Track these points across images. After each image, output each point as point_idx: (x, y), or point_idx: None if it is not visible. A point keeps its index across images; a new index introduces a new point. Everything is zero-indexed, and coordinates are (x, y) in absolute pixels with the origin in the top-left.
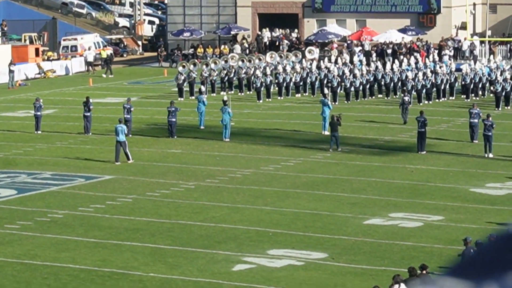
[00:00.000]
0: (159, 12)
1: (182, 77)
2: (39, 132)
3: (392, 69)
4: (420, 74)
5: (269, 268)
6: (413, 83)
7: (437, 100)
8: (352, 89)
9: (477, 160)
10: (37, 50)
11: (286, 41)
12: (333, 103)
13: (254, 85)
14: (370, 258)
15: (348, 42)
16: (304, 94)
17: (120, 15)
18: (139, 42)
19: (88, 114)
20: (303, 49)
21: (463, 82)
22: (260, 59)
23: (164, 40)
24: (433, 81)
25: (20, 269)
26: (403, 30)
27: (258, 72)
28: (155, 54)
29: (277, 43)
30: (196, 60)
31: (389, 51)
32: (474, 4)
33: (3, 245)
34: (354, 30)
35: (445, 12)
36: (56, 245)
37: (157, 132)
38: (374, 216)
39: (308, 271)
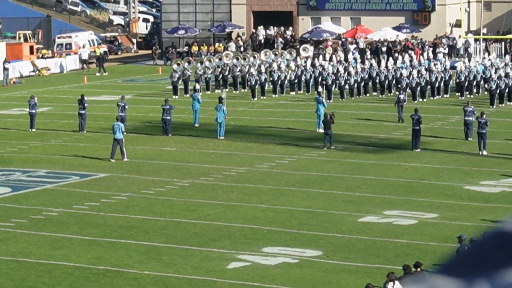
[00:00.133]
0: (154, 10)
1: (177, 75)
2: (34, 130)
3: (386, 67)
4: (415, 72)
5: (264, 265)
6: (408, 81)
7: (431, 98)
8: (347, 87)
9: (471, 158)
10: (31, 48)
11: (280, 39)
12: (328, 101)
13: (249, 83)
14: (365, 255)
15: (343, 40)
16: (299, 92)
17: (115, 13)
18: (134, 40)
19: (83, 112)
20: (298, 47)
21: (457, 80)
22: (254, 57)
23: (158, 38)
24: (428, 79)
25: (15, 266)
26: (398, 28)
27: (252, 70)
28: (150, 52)
29: (271, 41)
30: (190, 58)
31: (384, 49)
32: (469, 2)
33: None
34: (349, 28)
35: (440, 9)
36: (50, 242)
37: (152, 130)
38: (369, 213)
39: (302, 269)
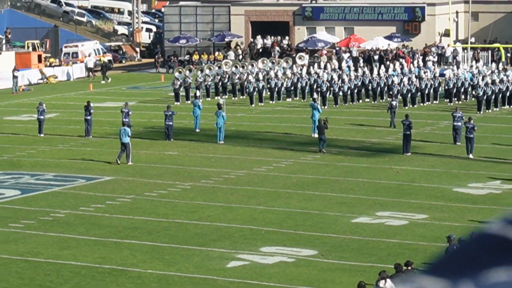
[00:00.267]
0: (156, 20)
1: (178, 82)
2: (42, 135)
3: (378, 74)
4: (406, 79)
5: (262, 264)
6: (399, 88)
7: (421, 104)
8: (341, 93)
9: (459, 161)
10: (39, 56)
11: (277, 48)
12: (323, 107)
13: (247, 90)
14: (358, 255)
15: (337, 48)
16: (295, 98)
17: (119, 23)
18: (137, 49)
19: (89, 117)
20: (294, 55)
21: (446, 87)
22: (252, 65)
23: (161, 47)
24: (418, 85)
25: (24, 266)
26: (389, 37)
27: (250, 78)
28: (153, 60)
29: (269, 50)
30: (191, 66)
31: (376, 57)
32: (457, 12)
33: (7, 243)
34: (343, 37)
35: (429, 20)
36: (58, 243)
37: (155, 135)
38: (362, 215)
39: (298, 268)
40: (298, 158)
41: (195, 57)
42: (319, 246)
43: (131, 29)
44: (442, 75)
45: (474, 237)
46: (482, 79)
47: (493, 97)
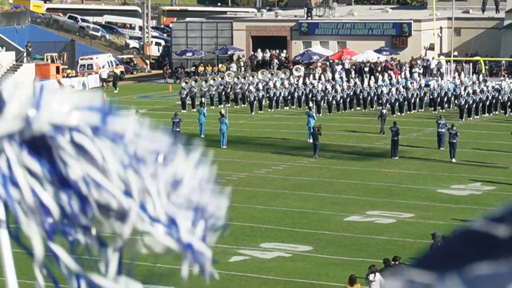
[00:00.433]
0: (165, 35)
1: (185, 92)
2: None
3: (369, 84)
4: (394, 89)
5: (261, 259)
6: (387, 97)
7: (408, 112)
8: (334, 102)
9: (443, 165)
10: (57, 68)
11: (276, 60)
12: (317, 114)
13: (248, 99)
14: (350, 250)
15: (330, 61)
16: (292, 107)
17: (131, 37)
18: (147, 61)
19: None
20: (291, 67)
21: (431, 96)
22: (253, 76)
23: (169, 59)
24: (405, 95)
25: None
26: (379, 51)
27: (251, 88)
28: (161, 71)
29: (268, 62)
30: (197, 77)
31: (367, 69)
32: (441, 28)
33: None
34: (336, 51)
35: (416, 35)
36: None
37: None
38: (353, 213)
39: (295, 262)
40: (295, 162)
41: (200, 68)
42: (314, 243)
43: (141, 43)
44: (427, 85)
45: (458, 234)
46: (464, 89)
47: (474, 106)
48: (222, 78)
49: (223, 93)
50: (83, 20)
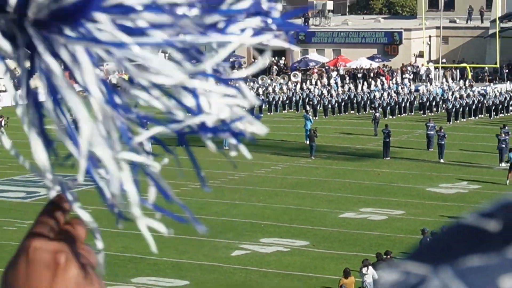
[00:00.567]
0: None
1: None
2: None
3: (362, 90)
4: (385, 94)
5: (261, 253)
6: (380, 102)
7: (399, 115)
8: (330, 106)
9: (432, 165)
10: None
11: (275, 67)
12: (314, 117)
13: None
14: (344, 245)
15: (326, 67)
16: (290, 110)
17: None
18: None
19: None
20: (289, 73)
21: (420, 101)
22: (254, 82)
23: None
24: (396, 99)
25: None
26: (371, 58)
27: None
28: None
29: (267, 69)
30: None
31: (360, 75)
32: (430, 37)
33: None
34: (331, 58)
35: (406, 43)
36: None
37: (169, 142)
38: (347, 210)
39: (293, 256)
40: (293, 162)
41: None
42: (310, 238)
43: None
44: (416, 90)
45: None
46: (452, 94)
47: (460, 109)
48: None
49: None
50: None
